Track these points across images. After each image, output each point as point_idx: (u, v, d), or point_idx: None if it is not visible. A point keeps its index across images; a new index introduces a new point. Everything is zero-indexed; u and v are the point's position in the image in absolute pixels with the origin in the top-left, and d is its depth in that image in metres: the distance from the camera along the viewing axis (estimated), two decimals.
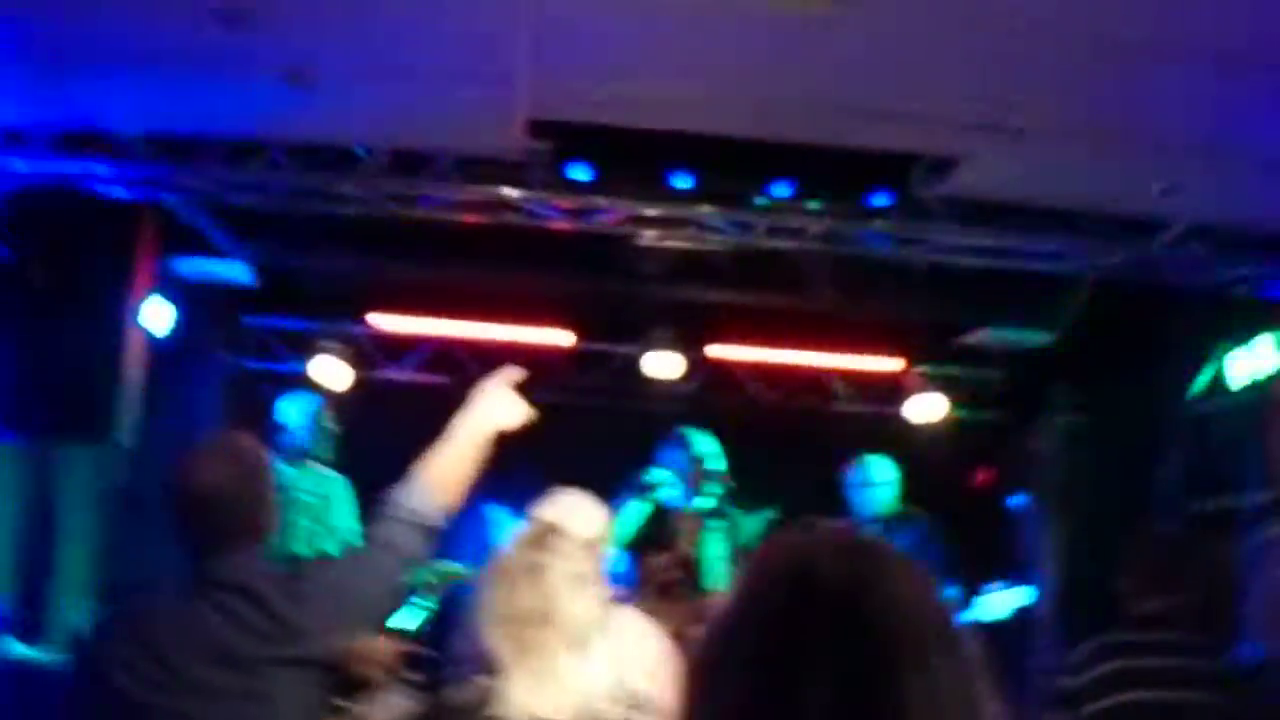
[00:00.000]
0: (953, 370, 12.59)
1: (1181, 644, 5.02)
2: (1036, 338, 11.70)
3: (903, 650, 1.83)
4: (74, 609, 9.52)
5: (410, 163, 8.77)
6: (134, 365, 8.81)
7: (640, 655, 4.63)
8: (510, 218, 9.09)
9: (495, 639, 4.26)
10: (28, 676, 8.82)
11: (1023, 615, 9.22)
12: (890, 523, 9.75)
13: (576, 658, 4.26)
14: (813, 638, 1.84)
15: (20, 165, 8.70)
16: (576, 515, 5.03)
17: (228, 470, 4.37)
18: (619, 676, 4.35)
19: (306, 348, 12.27)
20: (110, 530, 10.43)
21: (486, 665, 4.26)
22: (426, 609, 9.18)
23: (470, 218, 9.12)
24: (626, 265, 10.30)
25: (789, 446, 11.69)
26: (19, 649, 9.01)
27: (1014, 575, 9.72)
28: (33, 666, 8.87)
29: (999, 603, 9.17)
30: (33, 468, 9.89)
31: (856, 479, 9.88)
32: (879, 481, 9.85)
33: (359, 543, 4.87)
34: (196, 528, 4.32)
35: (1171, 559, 5.23)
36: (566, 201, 8.91)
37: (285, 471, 9.35)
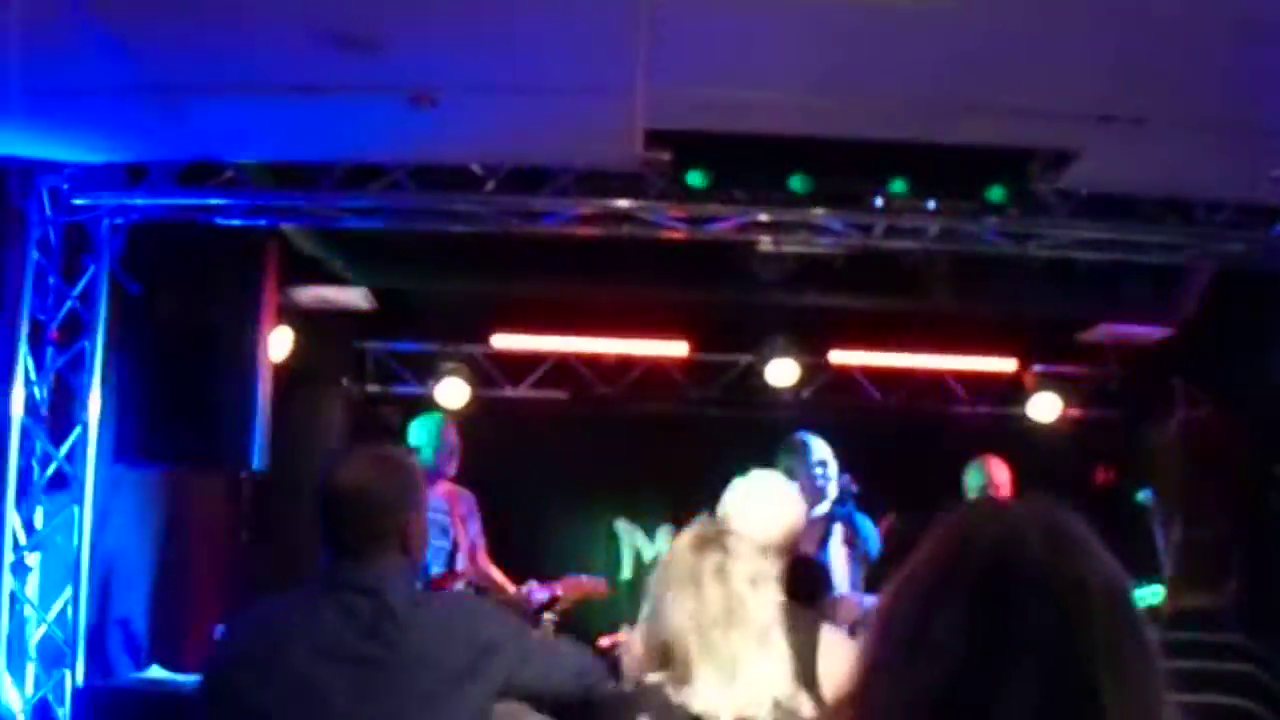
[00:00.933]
0: (1070, 368, 12.54)
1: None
2: (1154, 332, 11.64)
3: (1100, 636, 1.84)
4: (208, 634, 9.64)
5: (529, 179, 8.82)
6: (263, 393, 8.93)
7: (832, 664, 4.68)
8: (627, 229, 9.11)
9: (681, 641, 4.22)
10: (166, 700, 8.96)
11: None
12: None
13: (761, 657, 4.22)
14: (1017, 617, 1.84)
15: (142, 200, 8.85)
16: (754, 517, 5.15)
17: (373, 472, 4.37)
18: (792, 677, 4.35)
19: (427, 370, 12.38)
20: (241, 556, 10.58)
21: (673, 663, 4.23)
22: (552, 621, 9.24)
23: (588, 230, 9.15)
24: (743, 273, 10.31)
25: (909, 449, 11.67)
26: (157, 673, 9.16)
27: (1142, 573, 9.64)
28: (171, 690, 9.01)
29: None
30: (166, 495, 10.05)
31: (976, 481, 9.84)
32: (999, 482, 9.81)
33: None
34: (335, 527, 4.32)
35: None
36: (683, 210, 8.92)
37: None
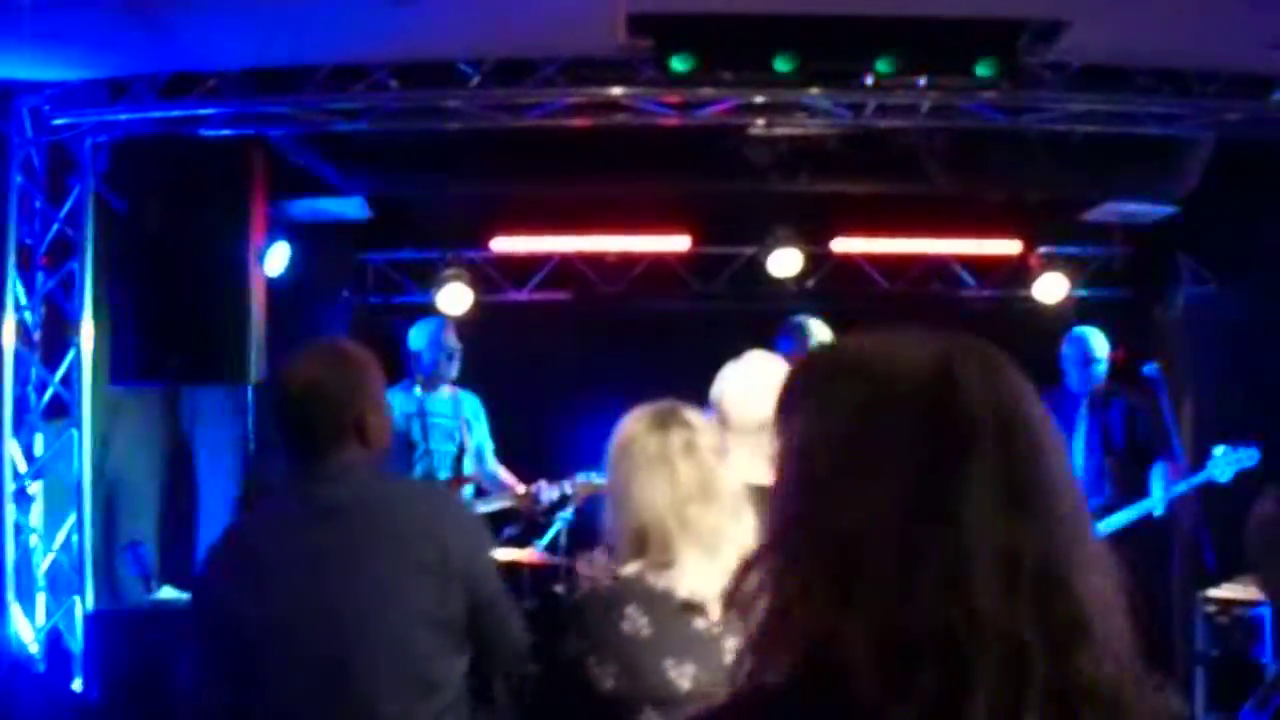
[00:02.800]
0: (1075, 249, 12.44)
1: None
2: (1158, 210, 11.56)
3: (1031, 434, 1.94)
4: None
5: (514, 71, 8.68)
6: (257, 304, 8.83)
7: None
8: (619, 118, 8.97)
9: (658, 524, 4.12)
10: (178, 620, 8.92)
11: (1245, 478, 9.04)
12: (1103, 396, 9.77)
13: (736, 530, 4.10)
14: (968, 422, 1.91)
15: (123, 115, 8.74)
16: (748, 397, 5.13)
17: (323, 367, 4.33)
18: None
19: (428, 278, 12.30)
20: (246, 471, 10.53)
21: (651, 549, 4.13)
22: (567, 520, 9.20)
23: (579, 121, 9.01)
24: (739, 160, 10.22)
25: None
26: (168, 593, 9.12)
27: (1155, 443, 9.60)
28: (183, 609, 8.98)
29: (1226, 465, 9.01)
30: (167, 413, 10.00)
31: (1077, 355, 9.78)
32: (1098, 357, 9.77)
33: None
34: (293, 426, 4.30)
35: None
36: (673, 96, 8.78)
37: (422, 398, 9.42)
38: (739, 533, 4.09)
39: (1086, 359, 9.70)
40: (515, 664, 4.45)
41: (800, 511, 1.99)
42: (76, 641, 8.63)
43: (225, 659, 4.19)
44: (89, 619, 8.64)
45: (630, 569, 4.14)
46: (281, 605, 4.09)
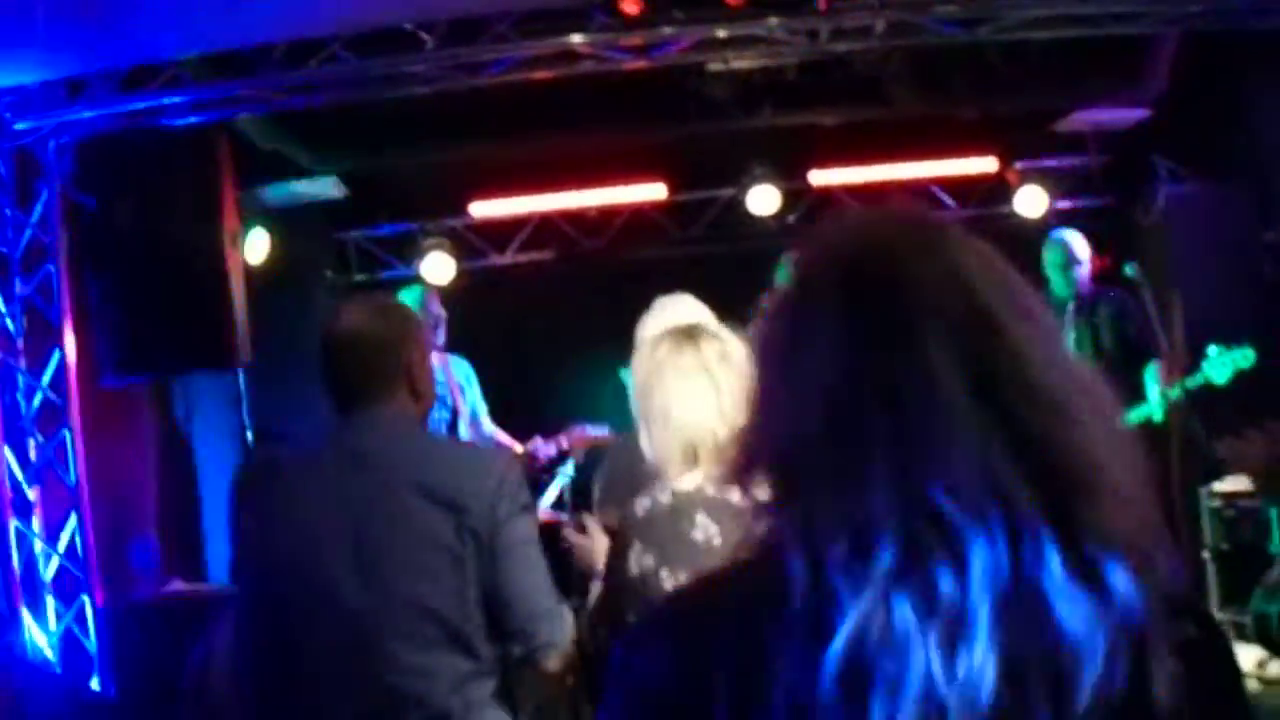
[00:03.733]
0: (1052, 161, 12.42)
1: None
2: (1130, 114, 11.55)
3: (986, 295, 1.93)
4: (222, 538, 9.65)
5: (469, 30, 8.61)
6: (236, 290, 8.83)
7: None
8: (581, 67, 8.93)
9: (709, 435, 4.08)
10: (188, 610, 8.97)
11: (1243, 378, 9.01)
12: (1088, 299, 9.69)
13: None
14: (903, 310, 1.90)
15: (87, 112, 8.73)
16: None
17: (370, 317, 4.37)
18: None
19: (409, 250, 12.33)
20: (245, 456, 10.55)
21: (704, 461, 4.09)
22: (569, 476, 9.22)
23: (540, 74, 8.97)
24: (703, 100, 10.24)
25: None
26: (177, 586, 9.16)
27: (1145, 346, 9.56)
28: (192, 599, 9.03)
29: (1221, 366, 8.97)
30: (159, 406, 10.02)
31: (1058, 258, 9.74)
32: (1080, 259, 9.74)
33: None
34: (339, 375, 4.32)
35: None
36: (632, 39, 8.74)
37: None
38: None
39: (1067, 261, 9.66)
40: (531, 626, 4.22)
41: (753, 414, 2.02)
42: (91, 641, 8.65)
43: (255, 587, 4.25)
44: (102, 616, 8.68)
45: (687, 483, 4.10)
46: (306, 550, 4.11)
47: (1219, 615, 10.01)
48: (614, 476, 5.83)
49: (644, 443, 4.32)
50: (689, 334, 4.25)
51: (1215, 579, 9.91)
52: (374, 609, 4.05)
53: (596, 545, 4.78)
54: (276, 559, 4.16)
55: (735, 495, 3.36)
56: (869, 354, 1.88)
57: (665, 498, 4.13)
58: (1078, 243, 9.76)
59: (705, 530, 4.00)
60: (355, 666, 4.08)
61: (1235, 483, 9.35)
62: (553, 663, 4.28)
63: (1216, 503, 9.84)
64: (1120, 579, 1.81)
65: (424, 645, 4.10)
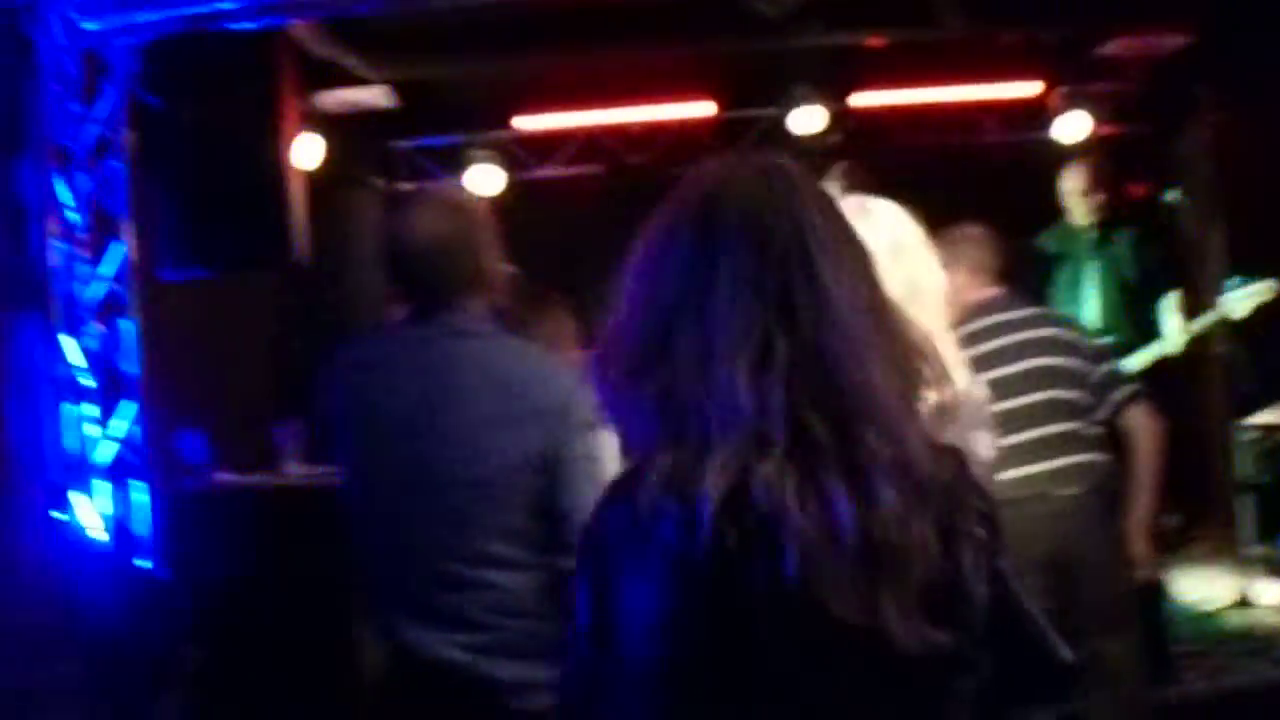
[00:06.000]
0: (1094, 86, 12.50)
1: None
2: (1174, 41, 11.60)
3: (814, 251, 2.34)
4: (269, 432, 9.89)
5: None
6: (294, 192, 9.05)
7: None
8: None
9: None
10: (237, 500, 9.25)
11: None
12: (1109, 228, 9.75)
13: (945, 332, 3.89)
14: (724, 236, 2.36)
15: (151, 15, 8.92)
16: None
17: (449, 219, 4.36)
18: None
19: (456, 161, 12.50)
20: (292, 353, 10.78)
21: None
22: None
23: None
24: (753, 17, 10.31)
25: (941, 184, 11.72)
26: (226, 476, 9.44)
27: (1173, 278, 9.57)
28: (240, 490, 9.31)
29: (1239, 300, 8.98)
30: (213, 302, 10.23)
31: (1078, 187, 9.76)
32: (1096, 187, 9.75)
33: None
34: (418, 281, 4.35)
35: None
36: None
37: None
38: (945, 337, 3.87)
39: (1087, 188, 9.69)
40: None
41: (617, 310, 2.47)
42: (143, 527, 8.89)
43: (353, 469, 4.51)
44: (153, 505, 8.92)
45: None
46: (402, 441, 4.28)
47: (1255, 550, 10.11)
48: None
49: None
50: (863, 211, 3.83)
51: (1252, 512, 9.92)
52: (444, 503, 4.23)
53: None
54: (370, 442, 4.37)
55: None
56: (694, 276, 2.35)
57: None
58: (1093, 170, 9.80)
59: None
60: (438, 551, 4.27)
61: (1273, 414, 9.37)
62: None
63: (1253, 435, 9.84)
64: (887, 494, 2.20)
65: (487, 534, 4.24)
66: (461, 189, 4.61)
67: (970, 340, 4.13)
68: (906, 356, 2.37)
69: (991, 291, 6.72)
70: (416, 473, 4.27)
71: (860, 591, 2.15)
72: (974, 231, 6.88)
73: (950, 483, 2.30)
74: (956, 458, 2.39)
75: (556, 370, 4.43)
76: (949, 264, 4.27)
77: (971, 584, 2.27)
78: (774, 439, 2.19)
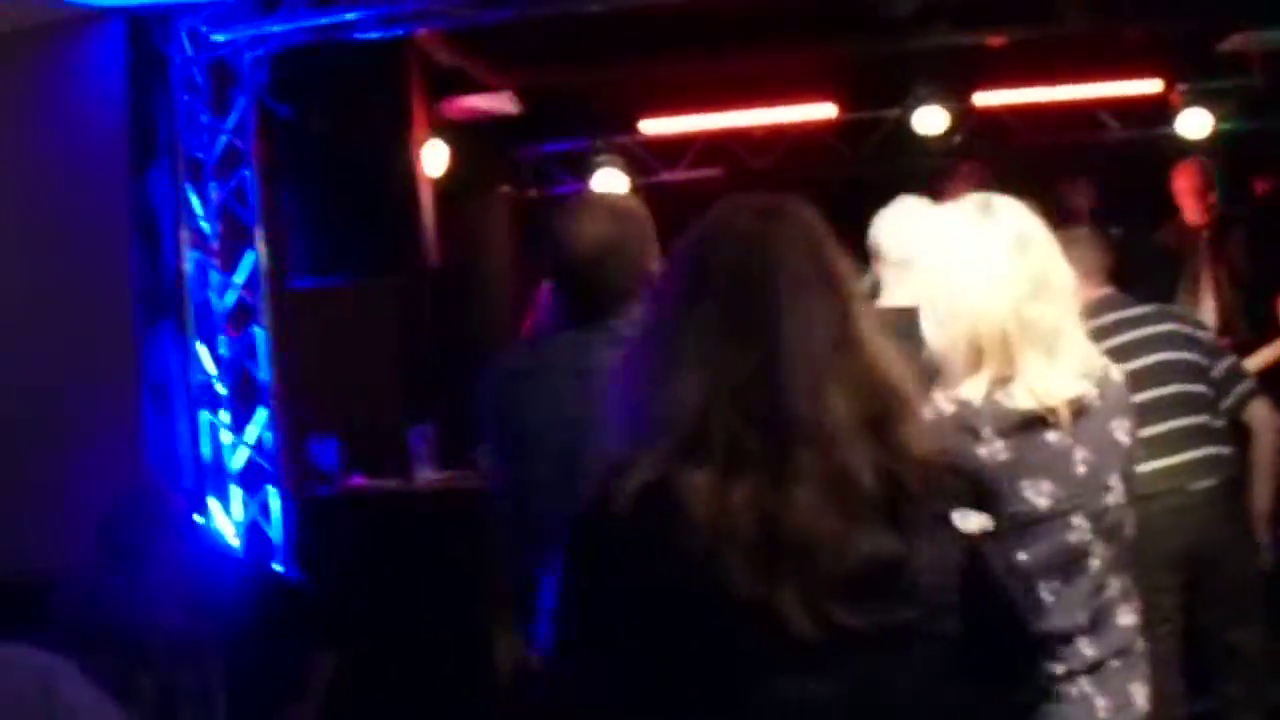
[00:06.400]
0: (1216, 82, 12.37)
1: None
2: None
3: (784, 274, 2.63)
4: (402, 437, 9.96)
5: None
6: (425, 198, 9.14)
7: None
8: None
9: (996, 328, 3.61)
10: (370, 504, 9.33)
11: None
12: (1221, 226, 9.64)
13: (1073, 327, 3.75)
14: (715, 263, 2.68)
15: (278, 26, 9.03)
16: None
17: (614, 225, 4.34)
18: None
19: (581, 166, 12.54)
20: (424, 358, 10.87)
21: (989, 360, 3.63)
22: None
23: None
24: (877, 18, 10.29)
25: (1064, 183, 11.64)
26: (358, 481, 9.53)
27: None
28: (373, 494, 9.39)
29: None
30: (345, 308, 10.33)
31: (1189, 185, 9.66)
32: (1211, 185, 9.71)
33: None
34: (583, 288, 4.33)
35: None
36: None
37: None
38: (1076, 329, 3.75)
39: (1201, 187, 9.60)
40: None
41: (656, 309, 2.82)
42: (276, 532, 9.00)
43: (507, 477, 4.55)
44: (285, 509, 9.02)
45: (971, 389, 3.62)
46: (540, 466, 4.30)
47: None
48: None
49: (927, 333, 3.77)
50: (986, 208, 3.75)
51: None
52: None
53: None
54: (524, 451, 4.37)
55: (1018, 398, 3.62)
56: (678, 302, 2.67)
57: (949, 407, 3.65)
58: (1208, 169, 9.70)
59: (990, 445, 3.58)
60: None
61: None
62: None
63: None
64: (804, 499, 2.50)
65: None
66: (625, 194, 4.46)
67: (1093, 337, 4.11)
68: (873, 388, 2.59)
69: (1105, 290, 6.69)
70: (571, 483, 4.16)
71: (758, 578, 2.44)
72: (1081, 233, 6.86)
73: (924, 483, 2.57)
74: (945, 460, 2.68)
75: None
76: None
77: (924, 567, 2.54)
78: (709, 448, 2.49)
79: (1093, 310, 6.33)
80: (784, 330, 2.57)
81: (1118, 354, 6.02)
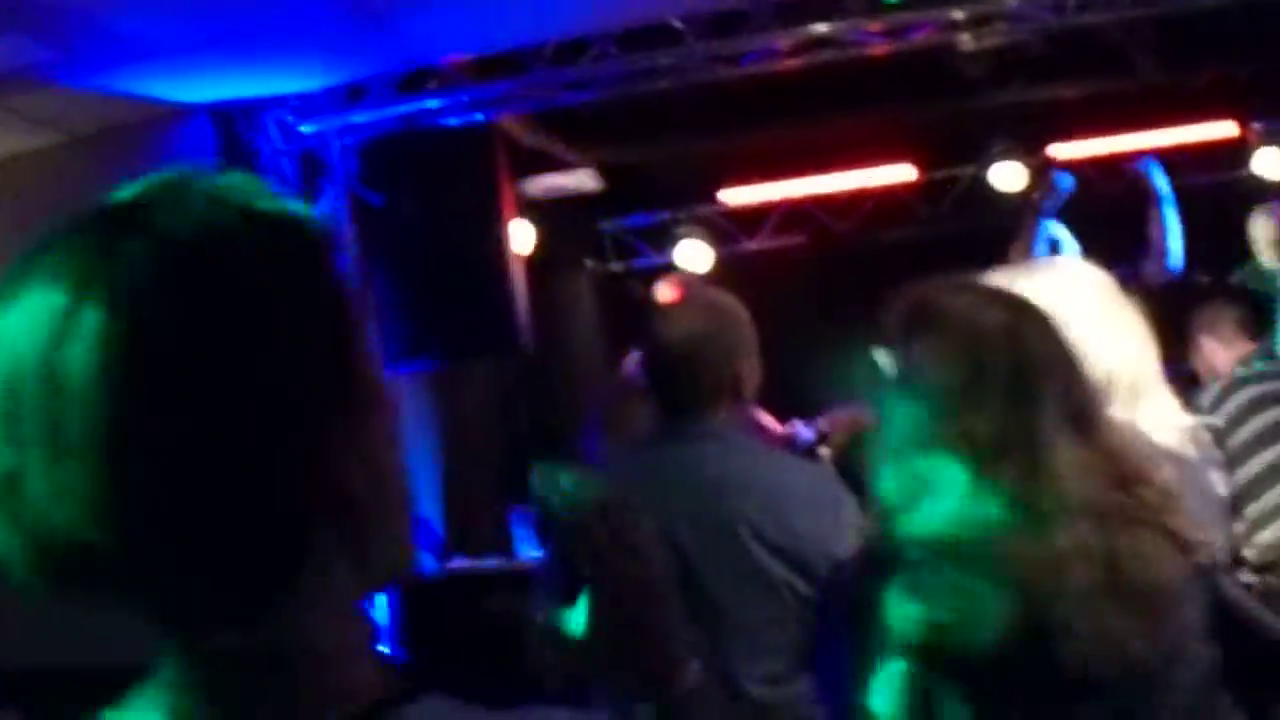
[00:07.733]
0: None
1: None
2: None
3: (1040, 360, 2.97)
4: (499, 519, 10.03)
5: (728, 23, 8.87)
6: (516, 279, 9.23)
7: None
8: (829, 55, 9.12)
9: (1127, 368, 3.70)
10: (471, 585, 9.39)
11: None
12: None
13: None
14: (987, 355, 2.99)
15: (364, 116, 9.19)
16: None
17: (707, 323, 4.28)
18: None
19: (664, 238, 12.62)
20: (519, 439, 10.96)
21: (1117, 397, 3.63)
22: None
23: (790, 64, 9.17)
24: (952, 79, 10.33)
25: (1141, 231, 11.62)
26: (459, 563, 9.61)
27: None
28: (475, 575, 9.46)
29: None
30: (441, 391, 10.44)
31: (1269, 234, 9.64)
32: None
33: None
34: (672, 386, 4.28)
35: None
36: (878, 24, 8.92)
37: None
38: (1158, 382, 3.82)
39: (1271, 237, 9.54)
40: None
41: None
42: (382, 613, 9.07)
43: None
44: (390, 590, 9.10)
45: None
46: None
47: None
48: None
49: None
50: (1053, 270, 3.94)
51: None
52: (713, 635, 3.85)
53: None
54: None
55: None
56: (961, 391, 3.01)
57: None
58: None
59: None
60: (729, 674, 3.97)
61: None
62: None
63: None
64: None
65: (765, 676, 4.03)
66: (721, 292, 4.45)
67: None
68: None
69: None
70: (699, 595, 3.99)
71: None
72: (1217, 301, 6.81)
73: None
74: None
75: (815, 490, 4.25)
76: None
77: None
78: None
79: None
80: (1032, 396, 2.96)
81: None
